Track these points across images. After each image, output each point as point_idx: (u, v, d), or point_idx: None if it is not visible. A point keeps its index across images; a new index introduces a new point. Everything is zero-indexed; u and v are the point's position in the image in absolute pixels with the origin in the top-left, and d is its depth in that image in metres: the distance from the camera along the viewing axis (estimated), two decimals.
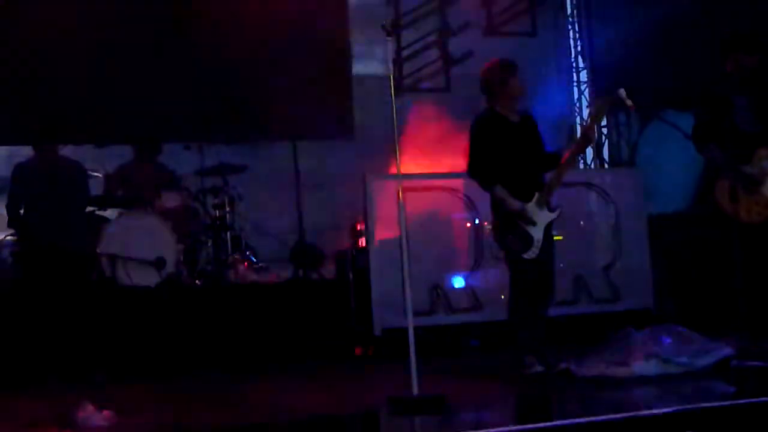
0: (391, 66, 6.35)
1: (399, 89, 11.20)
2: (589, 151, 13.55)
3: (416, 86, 11.99)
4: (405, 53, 12.00)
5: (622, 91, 6.67)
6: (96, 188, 9.42)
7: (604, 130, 13.52)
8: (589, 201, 9.34)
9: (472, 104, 12.45)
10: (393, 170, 6.87)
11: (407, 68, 12.12)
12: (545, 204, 6.71)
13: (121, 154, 10.09)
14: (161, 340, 7.96)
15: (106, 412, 5.51)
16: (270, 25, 10.90)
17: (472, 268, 8.83)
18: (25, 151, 9.13)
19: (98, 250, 8.48)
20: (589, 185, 9.41)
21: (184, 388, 7.20)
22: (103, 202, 9.26)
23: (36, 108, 10.05)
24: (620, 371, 6.34)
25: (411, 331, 5.72)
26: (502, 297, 8.75)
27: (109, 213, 9.24)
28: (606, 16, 12.90)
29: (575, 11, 13.59)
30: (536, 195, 6.69)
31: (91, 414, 5.48)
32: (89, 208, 9.10)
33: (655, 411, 5.13)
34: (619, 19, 12.51)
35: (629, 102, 6.69)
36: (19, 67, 10.18)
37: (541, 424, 4.92)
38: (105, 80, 10.33)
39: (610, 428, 4.87)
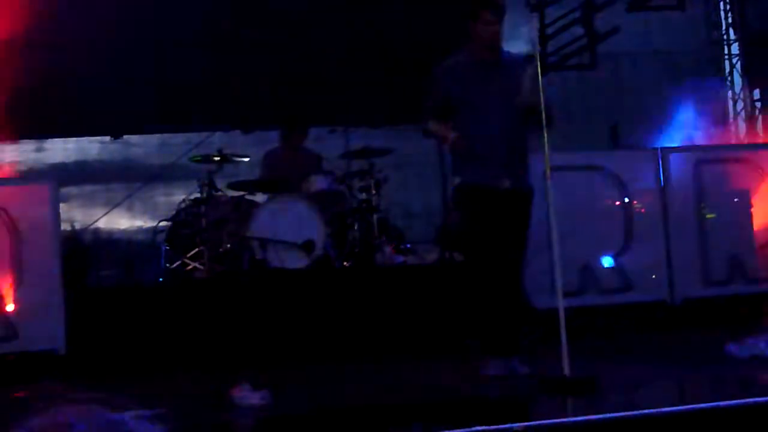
0: (537, 43, 6.28)
1: (544, 67, 11.06)
2: (742, 124, 13.18)
3: (562, 64, 11.81)
4: (549, 30, 11.83)
5: None
6: (245, 173, 9.61)
7: (758, 104, 13.13)
8: (744, 177, 9.04)
9: (617, 81, 12.39)
10: None
11: (552, 45, 11.96)
12: None
13: (267, 140, 10.26)
14: (312, 321, 8.05)
15: (261, 392, 5.63)
16: (411, 5, 10.92)
17: (622, 248, 8.68)
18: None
19: (249, 234, 8.65)
20: (742, 160, 9.14)
21: (330, 370, 7.29)
22: (253, 187, 9.44)
23: (189, 96, 10.31)
24: None
25: (561, 312, 5.68)
26: (653, 277, 8.68)
27: (259, 197, 9.41)
28: None
29: None
30: None
31: (247, 393, 5.61)
32: (239, 193, 9.34)
33: None
34: None
35: None
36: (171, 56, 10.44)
37: (698, 405, 4.81)
38: (254, 68, 10.52)
39: None
